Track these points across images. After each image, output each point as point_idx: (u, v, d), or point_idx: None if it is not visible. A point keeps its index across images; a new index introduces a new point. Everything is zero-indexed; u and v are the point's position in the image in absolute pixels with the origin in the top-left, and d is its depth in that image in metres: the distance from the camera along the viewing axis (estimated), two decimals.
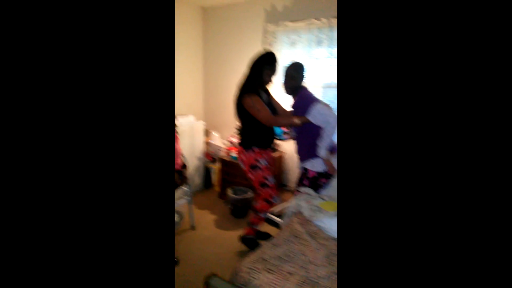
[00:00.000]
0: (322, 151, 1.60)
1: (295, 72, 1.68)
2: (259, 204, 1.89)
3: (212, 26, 3.52)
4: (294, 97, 1.74)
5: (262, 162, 1.82)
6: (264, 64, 1.72)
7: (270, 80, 1.76)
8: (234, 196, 2.55)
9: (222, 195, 2.80)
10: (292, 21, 2.85)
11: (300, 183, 1.75)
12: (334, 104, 2.79)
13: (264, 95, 1.84)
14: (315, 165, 1.69)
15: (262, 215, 1.89)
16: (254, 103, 1.66)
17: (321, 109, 1.53)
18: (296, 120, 1.62)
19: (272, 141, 1.92)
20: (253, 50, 3.12)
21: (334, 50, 2.69)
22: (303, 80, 1.73)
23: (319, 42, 2.74)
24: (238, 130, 1.85)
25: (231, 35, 3.39)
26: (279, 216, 2.45)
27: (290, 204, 1.53)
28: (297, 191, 1.74)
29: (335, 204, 1.43)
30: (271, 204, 1.87)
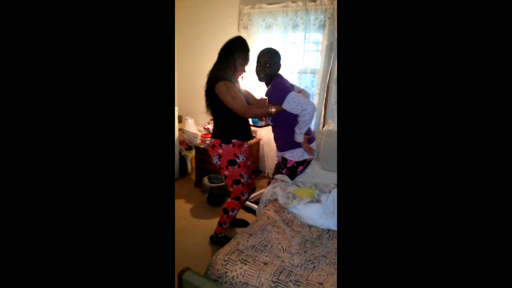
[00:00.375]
0: (299, 137, 1.59)
1: (270, 60, 1.61)
2: (228, 202, 1.82)
3: (185, 8, 3.34)
4: (267, 85, 1.69)
5: (241, 158, 1.71)
6: (236, 51, 1.63)
7: (243, 70, 1.67)
8: (210, 184, 2.51)
9: (198, 183, 2.75)
10: (268, 3, 2.76)
11: (278, 171, 1.74)
12: (310, 90, 2.79)
13: (237, 84, 1.74)
14: (295, 155, 1.67)
15: (231, 213, 1.81)
16: (229, 91, 1.52)
17: (296, 97, 1.49)
18: (273, 110, 1.57)
19: (250, 133, 1.83)
20: (229, 34, 3.00)
21: (310, 35, 2.65)
22: (279, 68, 1.68)
23: (295, 26, 2.68)
24: (213, 121, 1.72)
25: (205, 17, 3.23)
26: (255, 203, 2.46)
27: (266, 191, 1.52)
28: (273, 178, 1.73)
29: (310, 190, 1.44)
30: (240, 202, 1.80)
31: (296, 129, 1.57)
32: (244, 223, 2.15)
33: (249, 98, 1.82)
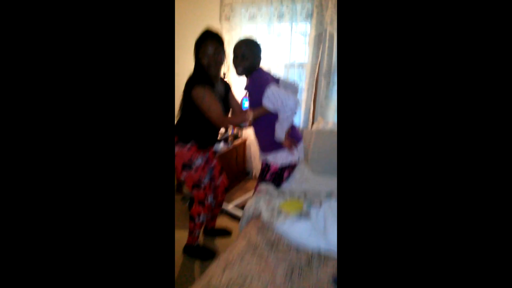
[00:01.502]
0: (280, 133, 1.40)
1: (247, 51, 1.40)
2: (193, 208, 1.67)
3: None
4: (247, 78, 1.48)
5: (197, 162, 1.56)
6: (198, 46, 1.44)
7: (217, 71, 1.47)
8: None
9: (178, 190, 2.55)
10: None
11: (262, 177, 1.55)
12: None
13: (219, 87, 1.55)
14: (278, 158, 1.49)
15: (198, 220, 1.66)
16: (206, 97, 1.38)
17: (276, 90, 1.30)
18: (250, 116, 1.38)
19: (213, 142, 1.68)
20: (212, 25, 2.77)
21: (296, 26, 2.45)
22: (258, 60, 1.46)
23: (280, 16, 2.47)
24: (177, 120, 1.56)
25: (186, 9, 2.98)
26: (241, 208, 2.28)
27: (248, 205, 1.33)
28: (257, 187, 1.55)
29: (298, 203, 1.26)
30: (205, 207, 1.65)
31: (277, 126, 1.38)
32: (225, 233, 1.96)
33: (232, 105, 1.66)
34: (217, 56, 1.43)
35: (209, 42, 1.42)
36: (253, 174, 2.96)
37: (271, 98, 1.30)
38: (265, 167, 1.54)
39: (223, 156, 2.43)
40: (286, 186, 1.54)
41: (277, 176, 1.52)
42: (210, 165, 1.72)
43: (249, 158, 2.97)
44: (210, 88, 1.41)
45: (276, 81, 1.56)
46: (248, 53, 1.40)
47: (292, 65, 2.55)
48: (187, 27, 3.00)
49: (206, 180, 1.62)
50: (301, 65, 2.53)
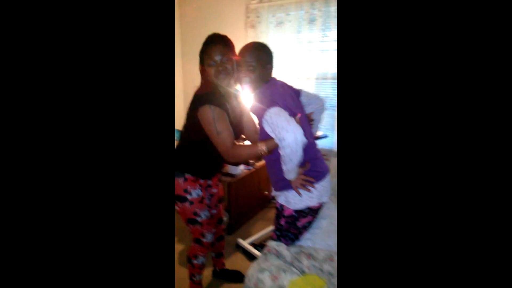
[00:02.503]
0: (289, 174, 1.06)
1: (253, 59, 1.07)
2: (190, 247, 1.40)
3: (189, 7, 2.92)
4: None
5: (194, 194, 1.29)
6: (202, 49, 1.15)
7: (227, 82, 1.16)
8: None
9: None
10: None
11: (277, 223, 1.21)
12: (331, 101, 2.22)
13: (233, 106, 1.25)
14: (291, 201, 1.13)
15: (196, 262, 1.39)
16: (215, 121, 1.09)
17: (276, 117, 0.96)
18: (263, 148, 1.05)
19: (215, 171, 1.39)
20: (235, 35, 2.53)
21: (330, 32, 2.08)
22: (269, 71, 1.13)
23: (311, 21, 2.12)
24: (177, 145, 1.32)
25: (210, 16, 2.78)
26: (260, 246, 1.95)
27: (250, 274, 1.00)
28: (265, 244, 1.20)
29: (318, 281, 0.89)
30: (204, 246, 1.37)
31: (282, 164, 1.04)
32: (238, 277, 1.64)
33: (248, 129, 1.34)
34: (226, 63, 1.13)
35: (215, 46, 1.13)
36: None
37: (269, 126, 0.98)
38: (279, 209, 1.19)
39: (243, 181, 2.13)
40: (306, 241, 1.17)
41: (292, 223, 1.17)
42: (207, 196, 1.43)
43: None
44: (221, 108, 1.11)
45: (296, 94, 1.22)
46: (254, 61, 1.07)
47: (325, 77, 2.18)
48: None
49: (203, 215, 1.32)
50: (335, 76, 2.14)
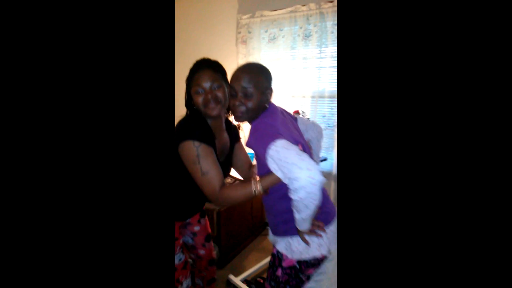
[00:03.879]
0: (301, 224, 0.87)
1: (250, 85, 0.89)
2: None
3: (176, 25, 2.79)
4: (250, 124, 0.95)
5: (176, 259, 1.13)
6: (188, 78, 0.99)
7: (216, 113, 0.98)
8: None
9: None
10: (272, 9, 2.13)
11: (272, 273, 1.01)
12: (329, 120, 2.08)
13: (222, 139, 1.08)
14: (295, 250, 0.94)
15: None
16: (200, 160, 0.91)
17: (284, 150, 0.77)
18: (257, 188, 0.87)
19: (194, 212, 1.20)
20: (226, 52, 2.41)
21: (327, 48, 1.97)
22: (268, 97, 0.94)
23: (307, 36, 2.01)
24: None
25: (199, 31, 2.66)
26: (253, 283, 1.73)
27: None
28: (259, 280, 1.02)
29: None
30: None
31: (294, 211, 0.83)
32: None
33: (239, 160, 1.17)
34: (216, 90, 0.96)
35: (203, 71, 0.96)
36: None
37: (275, 162, 0.79)
38: (276, 257, 0.99)
39: (233, 208, 1.94)
40: None
41: (293, 275, 0.97)
42: (188, 234, 1.24)
43: None
44: (207, 143, 0.93)
45: (295, 121, 1.06)
46: (251, 88, 0.89)
47: (321, 95, 2.05)
48: (201, 53, 2.66)
49: (177, 259, 1.13)
50: (333, 95, 2.02)
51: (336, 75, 1.95)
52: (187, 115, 1.03)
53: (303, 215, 0.81)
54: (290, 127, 0.92)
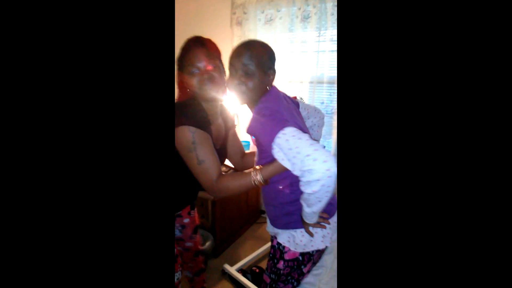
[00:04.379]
0: (309, 216, 0.82)
1: (252, 62, 0.81)
2: None
3: None
4: (251, 109, 0.89)
5: None
6: (179, 55, 0.90)
7: (213, 96, 0.91)
8: None
9: None
10: None
11: (273, 264, 0.97)
12: (327, 107, 2.02)
13: (218, 124, 1.01)
14: (298, 242, 0.90)
15: None
16: (196, 147, 0.84)
17: (294, 140, 0.70)
18: (257, 177, 0.81)
19: (186, 203, 1.15)
20: (220, 33, 2.29)
21: (326, 31, 1.88)
22: (271, 77, 0.87)
23: (305, 18, 1.91)
24: None
25: (190, 12, 2.52)
26: (248, 272, 1.71)
27: None
28: (254, 270, 0.99)
29: None
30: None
31: (304, 204, 0.78)
32: None
33: (232, 148, 1.12)
34: (212, 70, 0.88)
35: (197, 49, 0.88)
36: None
37: (285, 152, 0.72)
38: (277, 249, 0.96)
39: (230, 196, 1.89)
40: (307, 285, 0.95)
41: (295, 267, 0.94)
42: (177, 227, 1.20)
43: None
44: (203, 129, 0.86)
45: (297, 106, 1.00)
46: (253, 66, 0.81)
47: (320, 81, 1.98)
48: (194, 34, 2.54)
49: (175, 277, 1.12)
50: (332, 81, 1.94)
51: (336, 60, 1.88)
52: (179, 98, 0.96)
53: (314, 209, 0.76)
54: (294, 113, 0.86)
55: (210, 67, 0.88)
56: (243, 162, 1.16)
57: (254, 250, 1.89)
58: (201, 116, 0.90)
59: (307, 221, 0.85)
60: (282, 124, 0.73)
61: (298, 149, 0.68)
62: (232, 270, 1.70)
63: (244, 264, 1.77)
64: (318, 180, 0.66)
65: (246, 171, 0.87)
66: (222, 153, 1.03)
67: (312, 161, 0.66)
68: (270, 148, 0.75)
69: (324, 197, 0.71)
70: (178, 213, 1.17)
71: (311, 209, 0.77)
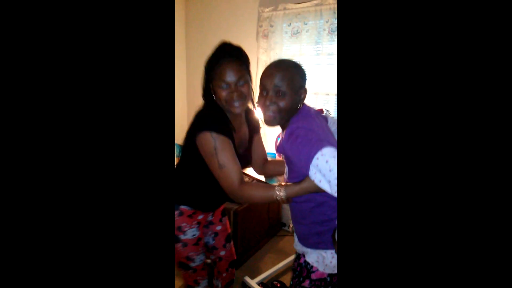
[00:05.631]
0: None
1: (284, 83, 0.81)
2: None
3: (196, 15, 2.74)
4: (283, 129, 0.90)
5: (190, 233, 1.05)
6: (209, 64, 0.92)
7: (241, 109, 0.93)
8: None
9: None
10: (296, 2, 2.04)
11: (297, 282, 0.95)
12: None
13: (242, 131, 1.03)
14: (328, 263, 0.87)
15: None
16: (218, 152, 0.86)
17: (334, 160, 0.68)
18: (281, 194, 0.81)
19: (219, 203, 1.16)
20: (247, 44, 2.33)
21: None
22: (302, 96, 0.86)
23: (333, 31, 1.91)
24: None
25: (218, 25, 2.60)
26: (269, 286, 1.68)
27: None
28: (275, 284, 0.95)
29: None
30: None
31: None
32: None
33: (256, 154, 1.12)
34: (242, 87, 0.90)
35: (230, 64, 0.89)
36: (290, 226, 2.35)
37: (326, 173, 0.70)
38: (304, 267, 0.93)
39: (250, 208, 1.89)
40: None
41: (322, 287, 0.91)
42: (210, 234, 1.20)
43: (285, 205, 2.38)
44: (225, 135, 0.89)
45: (326, 120, 0.98)
46: (285, 86, 0.81)
47: None
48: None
49: (198, 260, 1.10)
50: None
51: None
52: (205, 106, 0.98)
53: None
54: (327, 131, 0.84)
55: (240, 85, 0.90)
56: (264, 168, 1.17)
57: (274, 264, 1.85)
58: (223, 123, 0.92)
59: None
60: (319, 145, 0.72)
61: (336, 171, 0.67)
62: (253, 283, 1.67)
63: (265, 278, 1.74)
64: None
65: (273, 184, 0.87)
66: (245, 158, 1.05)
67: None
68: (306, 169, 0.73)
69: None
70: (210, 219, 1.18)
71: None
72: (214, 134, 0.86)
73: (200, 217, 1.09)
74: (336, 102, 2.00)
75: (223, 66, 0.89)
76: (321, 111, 1.91)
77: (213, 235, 1.21)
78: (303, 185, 0.78)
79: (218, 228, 1.22)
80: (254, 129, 1.11)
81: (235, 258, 1.32)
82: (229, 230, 1.28)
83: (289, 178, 0.87)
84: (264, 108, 0.84)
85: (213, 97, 0.94)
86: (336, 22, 1.89)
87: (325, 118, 0.99)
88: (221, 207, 1.22)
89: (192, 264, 1.08)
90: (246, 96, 0.92)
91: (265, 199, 0.87)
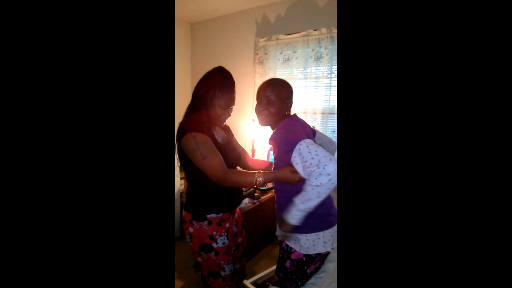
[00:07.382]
0: (294, 214, 0.95)
1: (273, 94, 1.06)
2: None
3: (200, 43, 3.08)
4: (273, 128, 1.12)
5: (221, 241, 1.15)
6: (210, 90, 1.11)
7: (225, 113, 1.15)
8: None
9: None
10: (287, 33, 2.33)
11: (281, 264, 1.13)
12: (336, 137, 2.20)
13: (220, 134, 1.22)
14: (304, 245, 1.06)
15: None
16: (199, 147, 1.00)
17: (314, 146, 0.90)
18: (259, 179, 0.99)
19: (237, 200, 1.26)
20: (244, 70, 2.63)
21: (336, 67, 2.12)
22: (289, 106, 1.11)
23: (318, 58, 2.18)
24: (186, 192, 1.23)
25: (220, 52, 2.92)
26: (262, 286, 1.83)
27: None
28: (268, 284, 1.13)
29: None
30: None
31: (297, 201, 0.92)
32: None
33: (236, 154, 1.25)
34: (231, 102, 1.14)
35: (232, 93, 1.13)
36: None
37: (304, 154, 0.89)
38: (285, 250, 1.12)
39: (246, 215, 2.06)
40: (310, 286, 1.09)
41: (299, 268, 1.09)
42: (233, 222, 1.29)
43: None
44: (202, 134, 1.04)
45: (313, 133, 1.20)
46: (274, 97, 1.06)
47: (332, 112, 2.19)
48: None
49: (228, 269, 1.18)
50: None
51: None
52: (187, 114, 1.13)
53: (307, 205, 0.91)
54: (311, 136, 1.08)
55: (231, 109, 1.15)
56: (246, 166, 1.31)
57: (268, 268, 2.00)
58: (201, 123, 1.08)
59: (289, 221, 0.96)
60: (300, 136, 0.95)
61: (317, 152, 0.88)
62: (248, 283, 1.82)
63: (259, 279, 1.89)
64: (329, 175, 0.84)
65: (252, 171, 1.02)
66: (231, 159, 1.18)
67: (328, 160, 0.85)
68: (289, 153, 0.95)
69: (324, 194, 0.88)
70: (235, 231, 1.31)
71: (305, 205, 0.91)
72: (193, 133, 1.02)
73: (227, 225, 1.18)
74: (321, 120, 2.23)
75: (227, 94, 1.11)
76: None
77: (235, 223, 1.30)
78: (277, 174, 0.99)
79: (236, 215, 1.32)
80: (229, 132, 1.31)
81: (245, 245, 1.40)
82: (245, 244, 1.40)
83: (275, 167, 1.08)
84: (258, 112, 1.10)
85: (203, 102, 1.10)
86: (321, 50, 2.16)
87: (314, 131, 1.21)
88: (237, 210, 1.32)
89: (223, 273, 1.17)
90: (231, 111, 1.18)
91: (247, 183, 1.00)
